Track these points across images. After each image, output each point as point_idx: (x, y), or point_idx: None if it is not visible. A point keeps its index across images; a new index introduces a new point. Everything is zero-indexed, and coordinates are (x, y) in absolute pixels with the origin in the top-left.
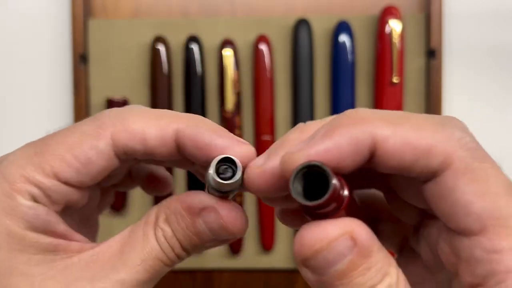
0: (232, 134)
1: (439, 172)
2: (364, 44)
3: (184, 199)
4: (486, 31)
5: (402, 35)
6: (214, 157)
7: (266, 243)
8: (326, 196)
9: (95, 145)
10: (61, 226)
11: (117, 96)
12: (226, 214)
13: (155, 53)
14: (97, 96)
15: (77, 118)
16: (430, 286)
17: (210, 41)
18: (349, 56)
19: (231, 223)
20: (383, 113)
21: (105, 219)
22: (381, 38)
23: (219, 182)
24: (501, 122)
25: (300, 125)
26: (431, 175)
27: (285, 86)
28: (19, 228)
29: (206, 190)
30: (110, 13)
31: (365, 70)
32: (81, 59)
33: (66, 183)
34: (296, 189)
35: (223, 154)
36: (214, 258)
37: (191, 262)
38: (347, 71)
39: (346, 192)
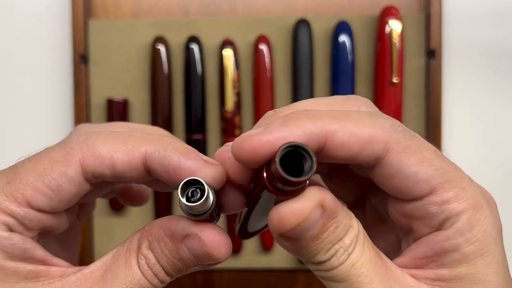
0: (201, 155)
1: (381, 156)
2: (364, 44)
3: (167, 225)
4: (485, 31)
5: (402, 35)
6: (183, 180)
7: (266, 243)
8: (309, 175)
9: (64, 172)
10: (39, 252)
11: (117, 96)
12: (209, 240)
13: (155, 53)
14: (97, 96)
15: (77, 118)
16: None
17: (210, 41)
18: (349, 56)
19: (215, 249)
20: (330, 111)
21: (105, 219)
22: (381, 38)
23: (186, 205)
24: (501, 121)
25: (270, 112)
26: (375, 161)
27: (285, 86)
28: None
29: None
30: (110, 13)
31: (365, 70)
32: (81, 59)
33: (39, 210)
34: (279, 162)
35: (191, 175)
36: None
37: None
38: (347, 71)
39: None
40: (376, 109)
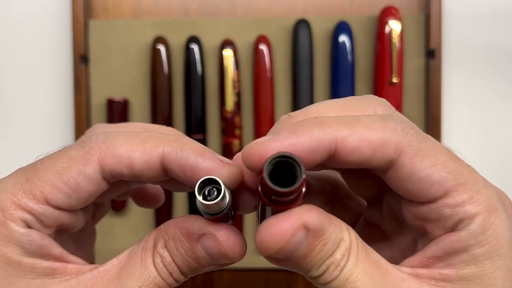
0: (217, 156)
1: (394, 160)
2: (363, 44)
3: (182, 225)
4: (485, 31)
5: (402, 35)
6: (199, 179)
7: None
8: (296, 185)
9: (82, 170)
10: (56, 249)
11: (117, 96)
12: (225, 240)
13: (155, 53)
14: (97, 96)
15: (77, 118)
16: (388, 252)
17: (210, 41)
18: (349, 56)
19: (230, 249)
20: (339, 117)
21: (105, 219)
22: (380, 38)
23: (202, 203)
24: (501, 121)
25: (284, 117)
26: (388, 164)
27: (285, 86)
28: (15, 255)
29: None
30: (110, 13)
31: (364, 70)
32: (81, 59)
33: (57, 207)
34: (267, 172)
35: (208, 174)
36: None
37: None
38: (346, 71)
39: (304, 189)
40: (393, 109)
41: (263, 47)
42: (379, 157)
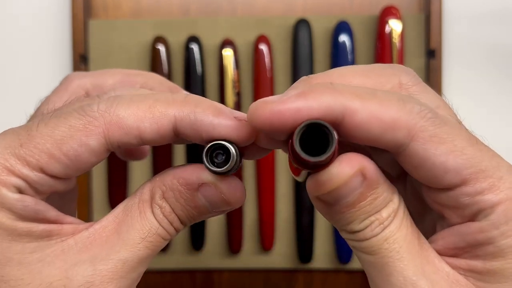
0: (233, 112)
1: (405, 144)
2: (364, 44)
3: (181, 175)
4: (485, 31)
5: (402, 35)
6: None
7: (266, 243)
8: (329, 153)
9: (85, 142)
10: (51, 212)
11: None
12: (226, 188)
13: (155, 53)
14: None
15: None
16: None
17: (210, 41)
18: (349, 56)
19: (232, 196)
20: (354, 88)
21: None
22: (381, 38)
23: (211, 170)
24: (501, 121)
25: (304, 78)
26: (399, 147)
27: (285, 86)
28: (9, 220)
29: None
30: (110, 13)
31: None
32: (81, 59)
33: (53, 176)
34: (298, 144)
35: (227, 136)
36: (214, 258)
37: (191, 262)
38: None
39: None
40: (419, 80)
41: (263, 46)
42: (388, 139)
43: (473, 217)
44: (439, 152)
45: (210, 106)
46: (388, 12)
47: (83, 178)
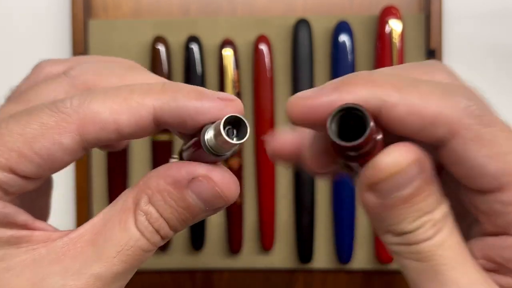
0: (215, 94)
1: (446, 140)
2: (364, 44)
3: (167, 173)
4: (486, 31)
5: (402, 35)
6: (203, 124)
7: (266, 243)
8: (364, 137)
9: (58, 140)
10: (21, 216)
11: None
12: (220, 179)
13: (155, 53)
14: None
15: None
16: None
17: (210, 41)
18: (349, 56)
19: (226, 188)
20: (394, 77)
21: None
22: (381, 38)
23: (230, 143)
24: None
25: (364, 73)
26: (439, 142)
27: (285, 86)
28: None
29: (180, 156)
30: (110, 13)
31: (365, 70)
32: None
33: (24, 177)
34: (332, 130)
35: (214, 118)
36: (214, 258)
37: (191, 262)
38: (347, 71)
39: (380, 136)
40: (455, 77)
41: (263, 47)
42: (428, 134)
43: (507, 228)
44: (480, 154)
45: (191, 90)
46: (388, 12)
47: (83, 175)
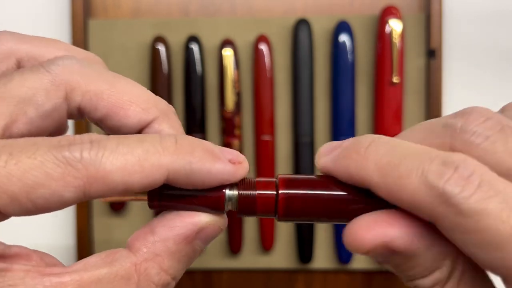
0: (224, 155)
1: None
2: (364, 44)
3: (175, 233)
4: (486, 31)
5: (402, 35)
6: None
7: (266, 243)
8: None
9: (59, 193)
10: None
11: None
12: (224, 220)
13: (155, 53)
14: None
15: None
16: None
17: (210, 41)
18: (349, 56)
19: (226, 221)
20: (382, 155)
21: (105, 219)
22: (381, 38)
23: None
24: None
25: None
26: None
27: (285, 86)
28: None
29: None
30: (110, 13)
31: (365, 70)
32: None
33: (5, 215)
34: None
35: (225, 182)
36: (214, 258)
37: None
38: (347, 71)
39: None
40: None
41: (263, 47)
42: (415, 212)
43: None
44: (469, 243)
45: (205, 152)
46: (388, 12)
47: None
